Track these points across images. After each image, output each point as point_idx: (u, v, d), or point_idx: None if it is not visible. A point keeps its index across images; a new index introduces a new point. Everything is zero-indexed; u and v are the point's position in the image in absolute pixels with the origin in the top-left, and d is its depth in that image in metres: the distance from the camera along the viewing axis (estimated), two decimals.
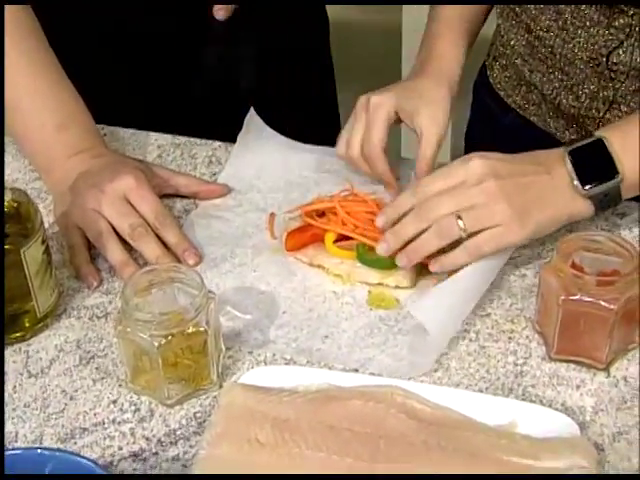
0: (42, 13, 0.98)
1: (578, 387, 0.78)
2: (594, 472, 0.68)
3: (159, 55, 1.13)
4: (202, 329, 0.75)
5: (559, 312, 0.77)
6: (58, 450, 0.68)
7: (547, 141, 0.94)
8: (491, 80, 1.10)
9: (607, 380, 0.78)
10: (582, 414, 0.75)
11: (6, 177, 1.00)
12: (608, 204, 0.84)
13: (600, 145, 0.82)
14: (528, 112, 1.05)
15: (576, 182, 0.82)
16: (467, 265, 0.82)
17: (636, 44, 0.90)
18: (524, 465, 0.69)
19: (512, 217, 0.81)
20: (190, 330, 0.74)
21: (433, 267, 0.83)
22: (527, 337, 0.82)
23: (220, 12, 1.06)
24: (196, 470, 0.70)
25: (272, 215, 0.96)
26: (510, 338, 0.82)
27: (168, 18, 1.10)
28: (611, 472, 0.71)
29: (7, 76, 0.94)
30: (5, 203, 0.81)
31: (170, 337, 0.74)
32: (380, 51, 2.54)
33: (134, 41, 1.10)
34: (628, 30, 0.90)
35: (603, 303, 0.75)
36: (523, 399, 0.76)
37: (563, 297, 0.76)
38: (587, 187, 0.82)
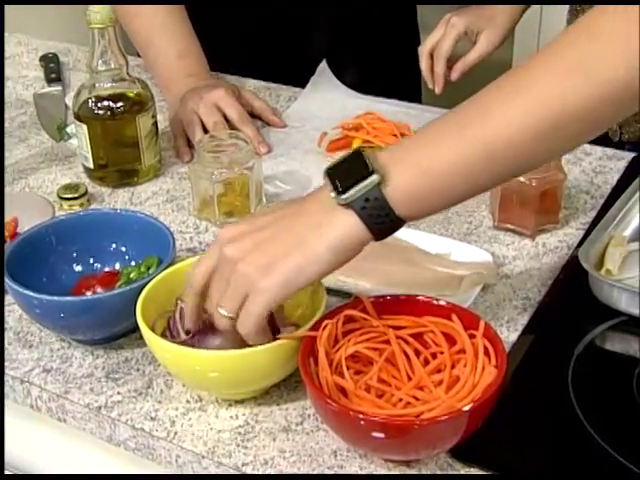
0: None
1: (508, 245, 1.06)
2: (492, 280, 0.98)
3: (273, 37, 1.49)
4: (245, 173, 1.09)
5: (498, 189, 1.06)
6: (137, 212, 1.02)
7: None
8: None
9: (530, 243, 1.07)
10: (504, 259, 1.04)
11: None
12: (378, 214, 0.75)
13: (356, 154, 0.78)
14: None
15: (333, 193, 0.76)
16: None
17: None
18: (442, 271, 0.98)
19: (256, 276, 0.75)
20: (236, 170, 1.09)
21: None
22: (483, 215, 1.12)
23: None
24: None
25: (324, 133, 1.29)
26: (470, 215, 1.12)
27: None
28: (507, 231, 0.99)
29: (145, 18, 1.32)
30: (132, 90, 1.18)
31: (223, 172, 1.08)
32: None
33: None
34: None
35: (524, 180, 1.04)
36: None
37: None
38: (344, 195, 0.75)
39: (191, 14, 1.36)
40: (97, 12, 1.12)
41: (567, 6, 1.37)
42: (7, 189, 1.18)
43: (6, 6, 1.34)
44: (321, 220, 0.76)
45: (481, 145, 0.75)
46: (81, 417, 0.86)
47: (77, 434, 0.89)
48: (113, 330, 0.91)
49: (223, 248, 0.78)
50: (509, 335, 0.93)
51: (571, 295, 0.97)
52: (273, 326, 0.84)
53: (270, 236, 0.77)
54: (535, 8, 2.34)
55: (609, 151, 1.24)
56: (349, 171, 0.76)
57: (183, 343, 0.84)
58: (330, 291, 0.94)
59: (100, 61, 1.14)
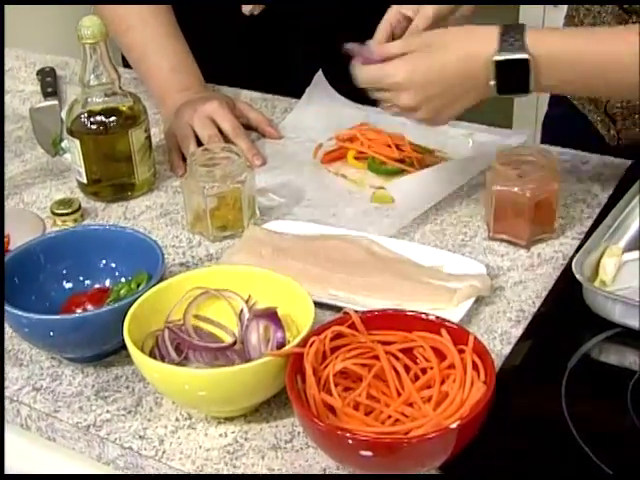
0: None
1: (502, 256, 1.05)
2: (485, 292, 0.97)
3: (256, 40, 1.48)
4: (238, 186, 1.08)
5: (493, 199, 1.05)
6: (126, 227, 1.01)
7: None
8: None
9: (526, 254, 1.05)
10: (498, 270, 1.03)
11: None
12: (517, 80, 0.93)
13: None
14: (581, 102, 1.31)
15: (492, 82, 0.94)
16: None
17: None
18: (435, 284, 0.97)
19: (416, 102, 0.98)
20: (229, 184, 1.08)
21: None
22: (478, 226, 1.11)
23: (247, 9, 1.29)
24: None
25: (320, 145, 1.29)
26: (465, 225, 1.11)
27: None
28: (502, 242, 0.98)
29: (138, 33, 1.32)
30: (124, 104, 1.18)
31: (215, 186, 1.08)
32: None
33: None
34: None
35: (518, 190, 1.03)
36: None
37: (494, 187, 1.05)
38: (497, 56, 0.93)
39: (184, 26, 1.36)
40: (88, 27, 1.11)
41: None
42: None
43: (6, 21, 1.35)
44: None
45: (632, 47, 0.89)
46: (70, 436, 0.86)
47: (68, 453, 0.88)
48: (103, 347, 0.91)
49: (400, 94, 0.98)
50: (503, 348, 0.92)
51: (565, 306, 0.96)
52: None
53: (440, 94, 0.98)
54: (537, 13, 2.35)
55: (606, 159, 1.22)
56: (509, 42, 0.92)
57: (171, 362, 0.84)
58: (322, 305, 0.94)
59: (92, 76, 1.14)
